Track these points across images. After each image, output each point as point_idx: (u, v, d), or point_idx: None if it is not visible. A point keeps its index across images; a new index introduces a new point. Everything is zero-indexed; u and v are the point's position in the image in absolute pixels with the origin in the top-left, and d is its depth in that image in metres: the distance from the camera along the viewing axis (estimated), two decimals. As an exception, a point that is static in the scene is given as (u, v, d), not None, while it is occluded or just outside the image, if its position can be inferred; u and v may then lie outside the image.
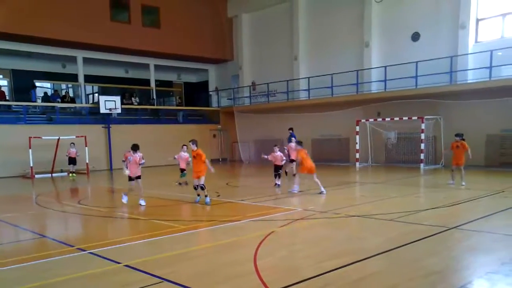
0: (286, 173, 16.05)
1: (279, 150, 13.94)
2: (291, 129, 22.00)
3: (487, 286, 5.00)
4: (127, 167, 11.09)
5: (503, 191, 11.84)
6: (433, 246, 6.60)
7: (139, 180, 11.22)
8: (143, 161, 11.17)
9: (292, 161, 16.30)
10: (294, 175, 15.69)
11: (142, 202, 11.14)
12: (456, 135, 13.61)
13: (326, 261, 5.83)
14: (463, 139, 13.33)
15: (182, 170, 15.06)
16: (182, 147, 14.82)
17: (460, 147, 13.23)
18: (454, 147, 13.43)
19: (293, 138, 16.38)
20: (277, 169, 13.97)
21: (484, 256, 6.10)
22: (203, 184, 10.82)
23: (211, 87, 32.15)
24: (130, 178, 11.18)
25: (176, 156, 14.88)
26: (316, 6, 25.20)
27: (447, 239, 7.03)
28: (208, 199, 10.88)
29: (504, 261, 5.64)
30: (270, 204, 10.84)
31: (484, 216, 8.58)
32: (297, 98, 25.44)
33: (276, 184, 13.98)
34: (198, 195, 11.18)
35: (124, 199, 11.39)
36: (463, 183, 13.13)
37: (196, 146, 10.93)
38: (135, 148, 11.12)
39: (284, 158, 14.12)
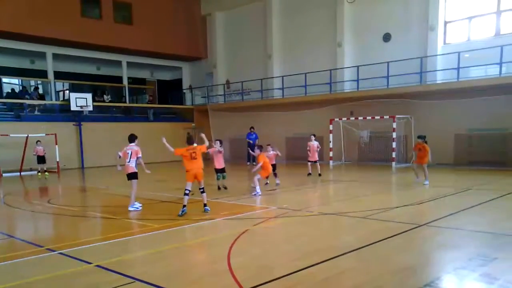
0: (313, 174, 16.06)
1: (272, 150, 13.79)
2: (252, 128, 22.46)
3: (455, 281, 5.15)
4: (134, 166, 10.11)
5: (470, 189, 12.20)
6: (404, 243, 6.75)
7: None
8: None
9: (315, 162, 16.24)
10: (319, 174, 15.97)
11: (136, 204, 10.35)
12: (419, 137, 13.82)
13: (298, 259, 5.89)
14: (426, 142, 13.41)
15: (219, 171, 12.87)
16: (215, 142, 13.19)
17: (422, 150, 13.31)
18: (417, 149, 13.61)
19: (312, 136, 16.59)
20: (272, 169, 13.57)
21: (452, 252, 6.28)
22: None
23: (185, 85, 31.90)
24: (134, 177, 10.12)
25: (210, 151, 12.46)
26: (289, 6, 25.32)
27: (417, 236, 7.20)
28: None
29: (471, 257, 5.82)
30: (244, 202, 10.85)
31: (452, 213, 8.82)
32: (271, 96, 25.53)
33: (266, 183, 13.60)
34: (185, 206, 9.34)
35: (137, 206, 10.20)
36: (426, 182, 13.28)
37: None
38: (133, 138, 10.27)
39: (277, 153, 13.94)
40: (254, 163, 21.81)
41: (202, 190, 9.62)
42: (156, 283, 5.06)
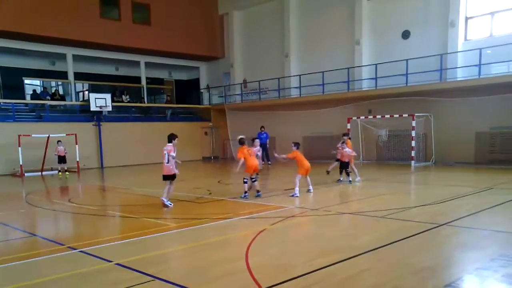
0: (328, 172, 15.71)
1: (347, 147, 13.92)
2: (262, 127, 22.66)
3: (477, 282, 5.06)
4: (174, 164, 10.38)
5: (492, 188, 11.97)
6: (423, 243, 6.66)
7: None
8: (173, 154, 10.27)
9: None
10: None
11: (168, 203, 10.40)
12: (344, 134, 14.99)
13: (316, 258, 5.86)
14: (349, 139, 14.48)
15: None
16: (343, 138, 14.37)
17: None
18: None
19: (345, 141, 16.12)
20: (344, 166, 13.98)
21: (474, 252, 6.17)
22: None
23: (202, 84, 32.05)
24: (169, 178, 10.40)
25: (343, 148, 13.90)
26: (307, 4, 25.22)
27: (437, 236, 7.10)
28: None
29: (493, 257, 5.70)
30: (262, 201, 10.84)
31: (473, 213, 8.67)
32: (289, 95, 25.47)
33: (340, 180, 14.16)
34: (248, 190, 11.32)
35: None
36: (342, 179, 14.19)
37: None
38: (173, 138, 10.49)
39: (354, 153, 14.25)
40: (269, 162, 22.03)
41: (254, 179, 11.42)
42: (175, 281, 5.10)
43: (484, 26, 19.19)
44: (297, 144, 12.24)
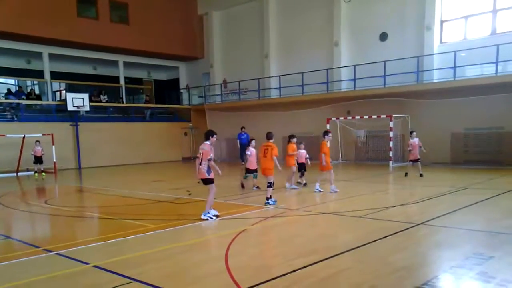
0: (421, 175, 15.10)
1: (304, 148, 13.65)
2: (243, 127, 22.67)
3: (452, 280, 5.16)
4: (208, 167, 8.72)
5: (467, 188, 12.24)
6: (401, 242, 6.76)
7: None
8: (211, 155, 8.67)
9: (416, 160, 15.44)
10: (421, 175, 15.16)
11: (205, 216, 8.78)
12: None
13: (296, 258, 5.89)
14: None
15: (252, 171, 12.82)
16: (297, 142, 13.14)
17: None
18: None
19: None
20: (302, 167, 13.61)
21: (449, 251, 6.30)
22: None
23: (182, 84, 31.87)
24: (207, 182, 8.85)
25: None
26: (286, 5, 25.34)
27: (414, 235, 7.22)
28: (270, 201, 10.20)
29: (468, 256, 5.84)
30: (242, 202, 10.85)
31: (449, 212, 8.85)
32: (268, 96, 25.54)
33: (304, 184, 13.54)
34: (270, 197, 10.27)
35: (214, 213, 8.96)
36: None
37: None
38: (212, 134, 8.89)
39: (308, 156, 13.74)
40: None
41: (268, 184, 10.30)
42: (153, 283, 5.06)
43: (459, 29, 19.63)
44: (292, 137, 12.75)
